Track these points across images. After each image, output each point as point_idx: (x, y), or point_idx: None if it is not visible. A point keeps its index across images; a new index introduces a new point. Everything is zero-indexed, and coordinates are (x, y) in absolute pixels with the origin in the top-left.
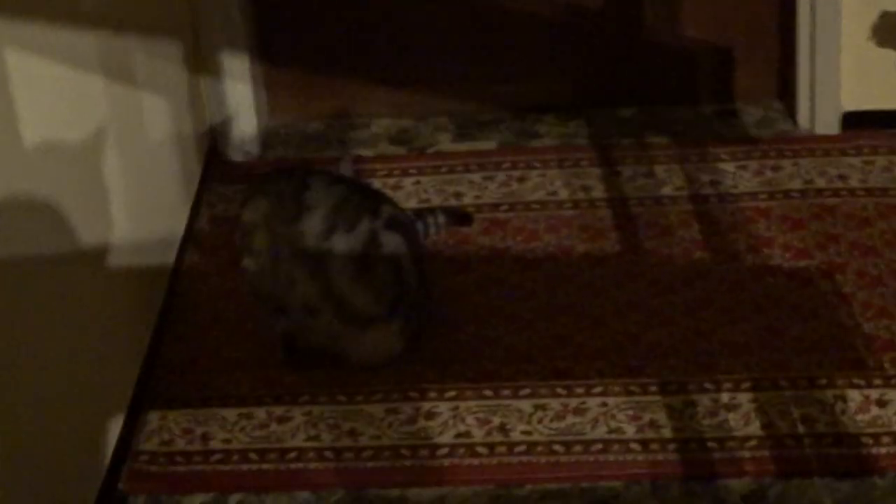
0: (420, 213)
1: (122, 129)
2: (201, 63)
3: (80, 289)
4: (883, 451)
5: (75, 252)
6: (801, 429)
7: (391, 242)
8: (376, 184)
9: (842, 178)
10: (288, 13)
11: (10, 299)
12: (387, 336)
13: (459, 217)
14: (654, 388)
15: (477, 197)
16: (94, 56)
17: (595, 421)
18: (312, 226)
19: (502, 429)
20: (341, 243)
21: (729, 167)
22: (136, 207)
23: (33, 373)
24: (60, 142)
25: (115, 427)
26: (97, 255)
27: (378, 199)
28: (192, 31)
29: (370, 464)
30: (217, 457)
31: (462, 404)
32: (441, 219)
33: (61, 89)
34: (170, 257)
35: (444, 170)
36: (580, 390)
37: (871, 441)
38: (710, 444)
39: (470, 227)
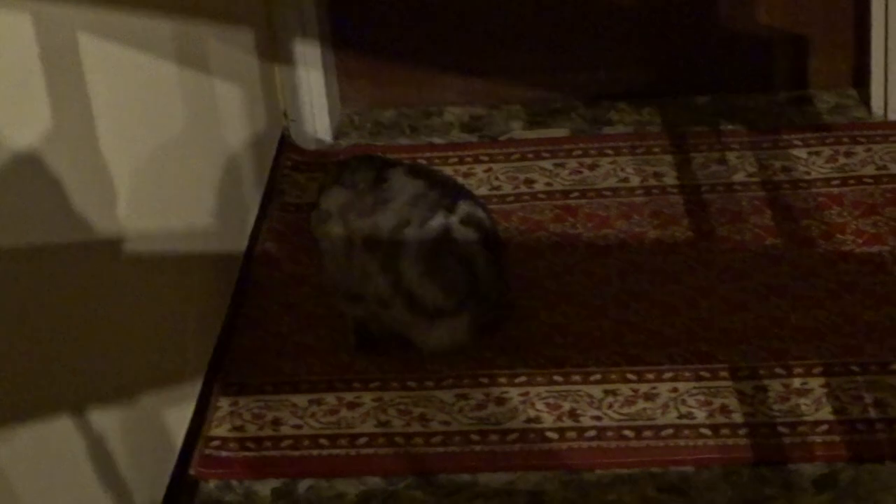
0: None
1: (196, 116)
2: (274, 51)
3: (153, 276)
4: None
5: (148, 238)
6: (873, 413)
7: (465, 238)
8: (448, 171)
9: None
10: (361, 1)
11: (84, 285)
12: (455, 328)
13: None
14: (724, 374)
15: (548, 184)
16: (168, 42)
17: (665, 406)
18: (386, 219)
19: (572, 414)
20: (413, 238)
21: (802, 154)
22: (209, 194)
23: (106, 359)
24: (134, 127)
25: (186, 413)
26: (170, 242)
27: (456, 194)
28: (265, 18)
29: (440, 449)
30: (288, 442)
31: (532, 390)
32: None
33: (135, 75)
34: (242, 244)
35: (515, 157)
36: (651, 376)
37: None
38: (781, 428)
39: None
